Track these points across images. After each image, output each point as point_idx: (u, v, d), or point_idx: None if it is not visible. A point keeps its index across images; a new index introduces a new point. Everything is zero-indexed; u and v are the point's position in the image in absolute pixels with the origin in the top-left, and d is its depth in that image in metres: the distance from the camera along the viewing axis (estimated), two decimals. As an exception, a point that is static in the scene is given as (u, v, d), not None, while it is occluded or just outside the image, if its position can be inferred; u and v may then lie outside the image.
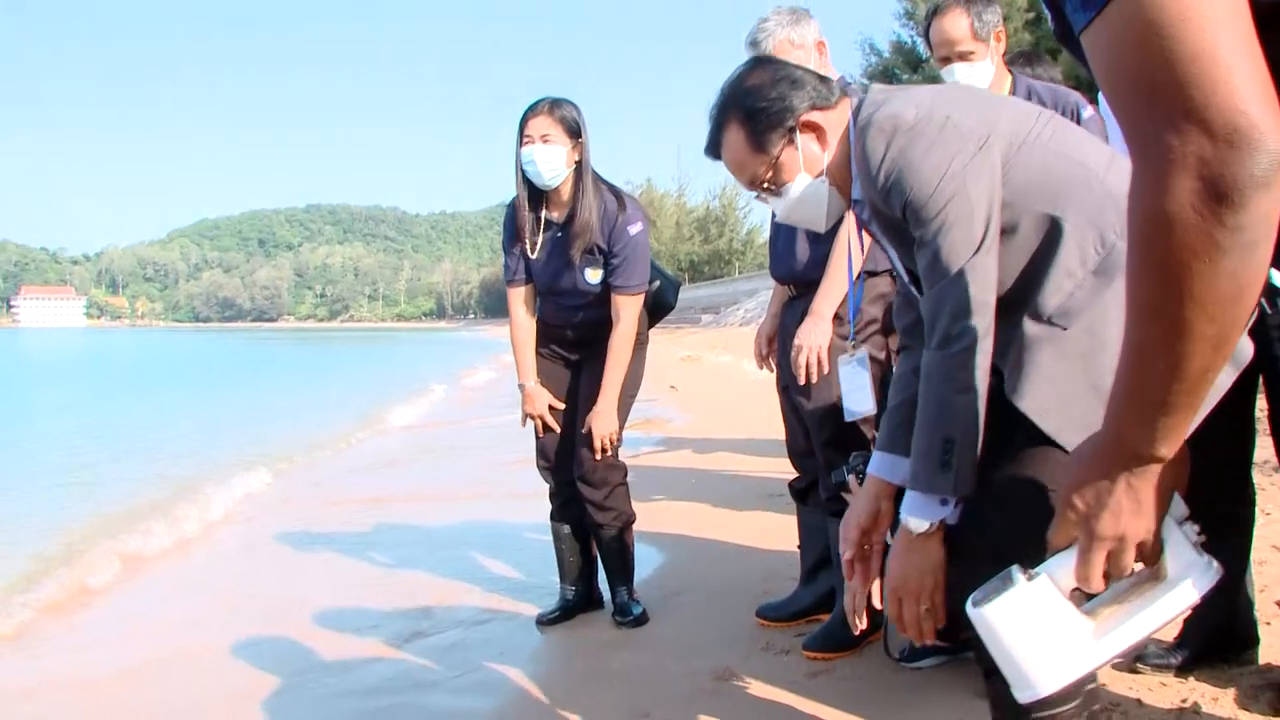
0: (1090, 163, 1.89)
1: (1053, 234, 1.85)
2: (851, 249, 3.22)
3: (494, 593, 4.64)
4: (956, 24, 3.54)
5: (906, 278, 2.10)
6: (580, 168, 3.90)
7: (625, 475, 4.09)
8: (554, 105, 3.85)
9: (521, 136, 3.87)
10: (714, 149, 2.19)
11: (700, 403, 12.69)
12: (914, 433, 1.89)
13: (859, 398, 3.31)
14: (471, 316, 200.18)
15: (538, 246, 4.00)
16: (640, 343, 4.02)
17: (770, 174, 2.13)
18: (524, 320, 4.12)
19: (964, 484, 1.82)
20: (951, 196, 1.83)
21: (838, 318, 3.39)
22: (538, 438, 4.12)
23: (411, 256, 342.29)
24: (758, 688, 3.24)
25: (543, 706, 3.32)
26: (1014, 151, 1.87)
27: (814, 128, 2.10)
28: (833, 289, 3.47)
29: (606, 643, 3.84)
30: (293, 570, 5.41)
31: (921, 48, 24.19)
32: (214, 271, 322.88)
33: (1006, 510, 1.80)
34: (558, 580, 4.24)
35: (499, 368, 24.41)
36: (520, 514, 6.19)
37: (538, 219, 3.99)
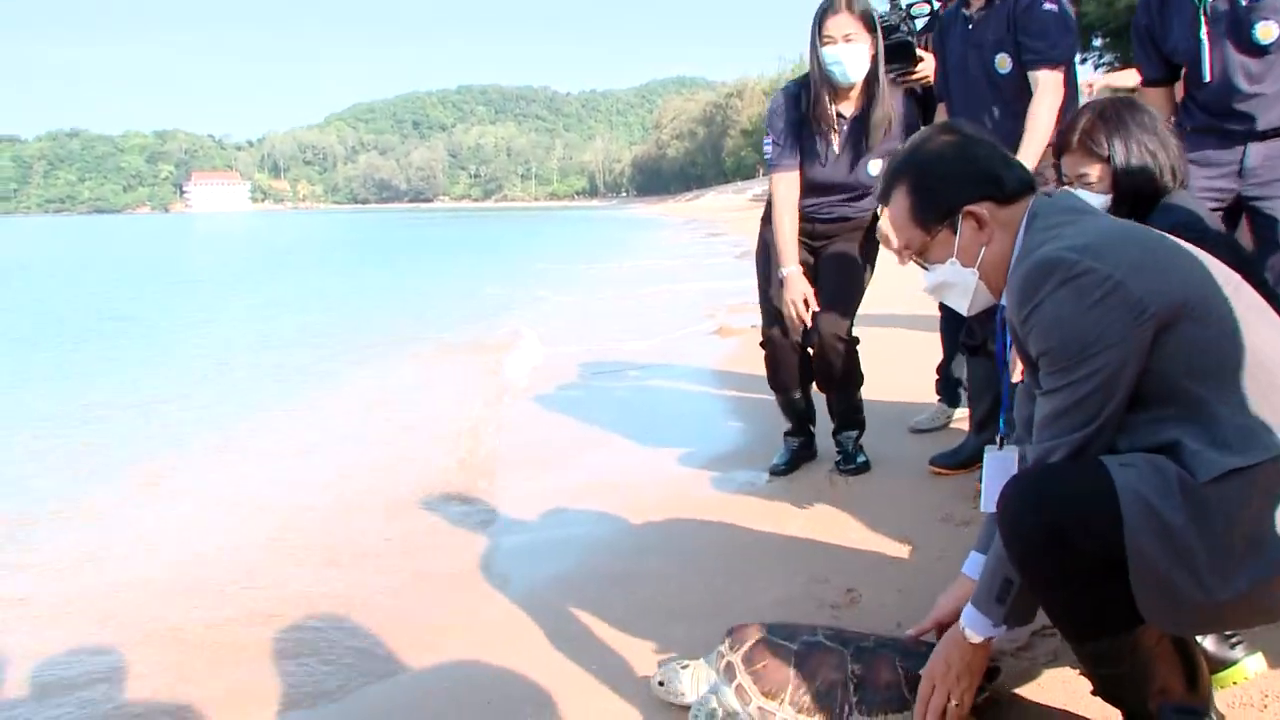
0: (1261, 346, 1.82)
1: (1200, 411, 1.79)
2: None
3: (686, 461, 4.89)
4: None
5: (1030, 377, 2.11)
6: (875, 61, 3.94)
7: (856, 342, 4.20)
8: (851, 1, 3.86)
9: (822, 36, 3.89)
10: (884, 198, 2.23)
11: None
12: (986, 557, 2.09)
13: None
14: (624, 195, 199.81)
15: (836, 141, 4.05)
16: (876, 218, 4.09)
17: (923, 249, 2.16)
18: (790, 206, 4.13)
19: (1015, 619, 2.04)
20: (1089, 370, 1.80)
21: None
22: (770, 305, 4.24)
23: (563, 135, 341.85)
24: (936, 558, 3.33)
25: (716, 570, 3.47)
26: (1175, 323, 1.80)
27: (978, 219, 2.07)
28: (1031, 148, 3.53)
29: (781, 510, 3.99)
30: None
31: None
32: (370, 154, 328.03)
33: None
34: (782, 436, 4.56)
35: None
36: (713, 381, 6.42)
37: (834, 114, 4.04)
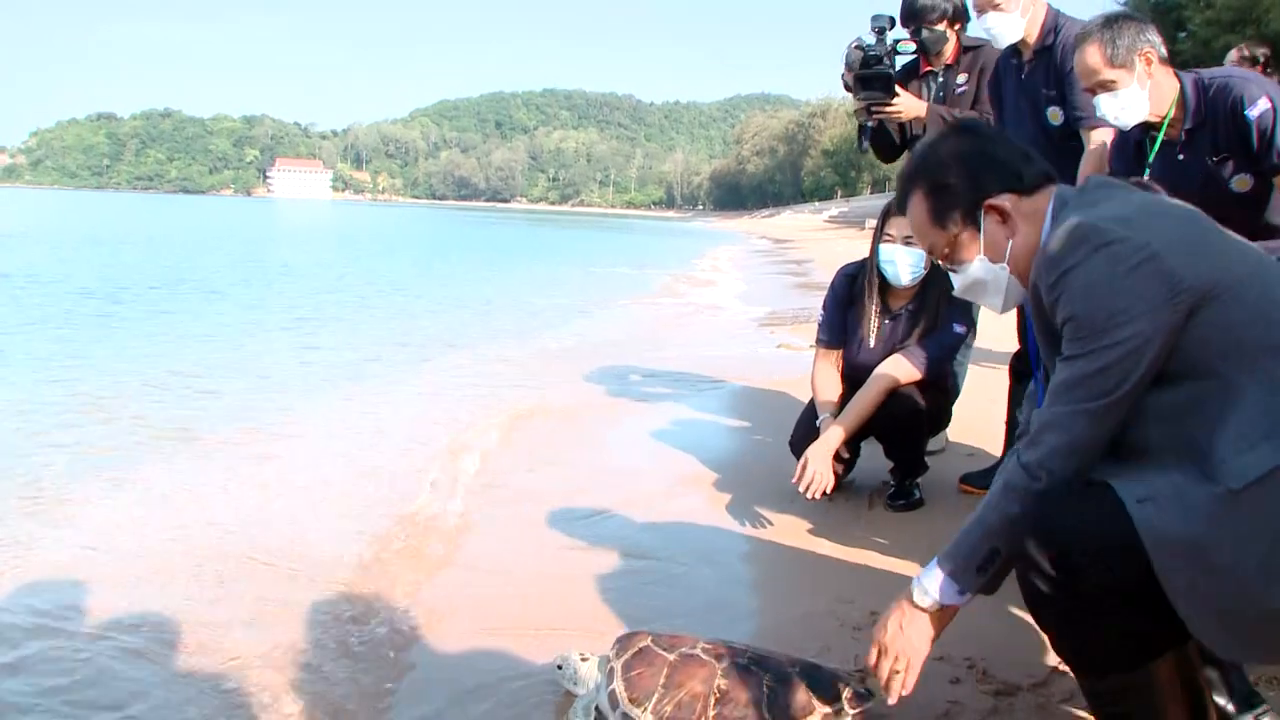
0: None
1: (1231, 395, 1.72)
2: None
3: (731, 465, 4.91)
4: (1090, 56, 3.31)
5: (1043, 371, 2.08)
6: (934, 266, 3.94)
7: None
8: None
9: (883, 232, 3.95)
10: (901, 208, 2.22)
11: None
12: (969, 522, 2.00)
13: None
14: (700, 208, 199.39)
15: (874, 334, 4.10)
16: None
17: (948, 250, 2.12)
18: (825, 380, 4.21)
19: (989, 589, 1.99)
20: (1115, 340, 1.76)
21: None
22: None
23: (644, 145, 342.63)
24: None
25: (743, 580, 3.56)
26: (1209, 301, 1.74)
27: (1000, 212, 2.03)
28: None
29: (815, 529, 4.03)
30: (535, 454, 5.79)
31: None
32: (452, 151, 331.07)
33: None
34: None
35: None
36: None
37: (880, 305, 4.11)
